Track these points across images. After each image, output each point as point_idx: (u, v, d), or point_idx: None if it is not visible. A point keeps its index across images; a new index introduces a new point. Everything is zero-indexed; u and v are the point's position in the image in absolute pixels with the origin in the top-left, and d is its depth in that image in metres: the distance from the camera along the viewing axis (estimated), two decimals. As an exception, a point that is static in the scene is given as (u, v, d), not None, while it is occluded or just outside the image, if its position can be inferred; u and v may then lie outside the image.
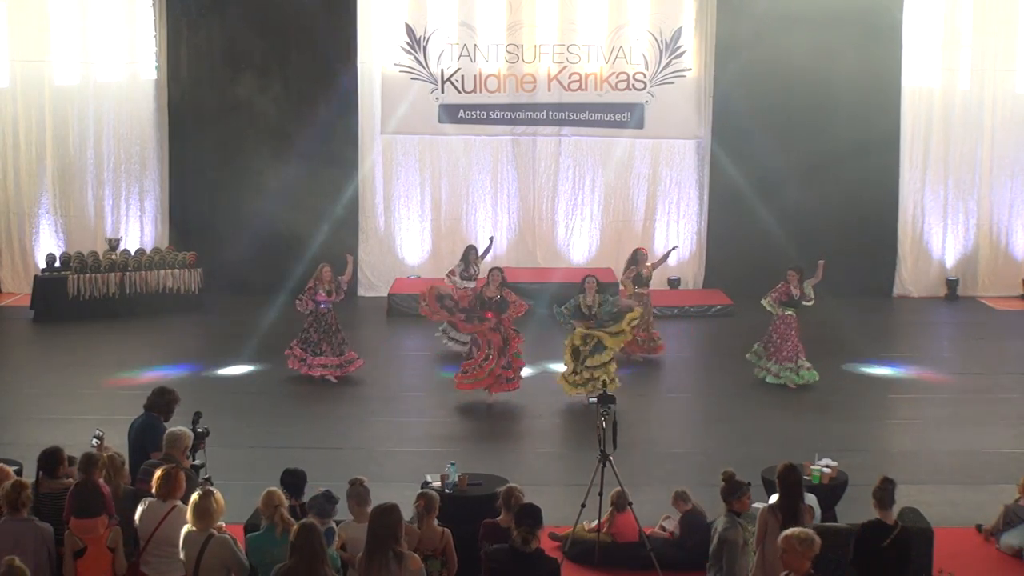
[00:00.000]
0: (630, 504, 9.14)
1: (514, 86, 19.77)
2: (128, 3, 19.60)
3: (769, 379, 14.29)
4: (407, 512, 7.34)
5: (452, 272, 15.85)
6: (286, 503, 7.33)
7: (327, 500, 7.65)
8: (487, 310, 13.36)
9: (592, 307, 13.12)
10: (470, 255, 15.99)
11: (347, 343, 14.54)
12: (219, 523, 7.13)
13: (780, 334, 14.27)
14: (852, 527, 7.81)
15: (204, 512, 6.89)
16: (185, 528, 6.97)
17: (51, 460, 7.89)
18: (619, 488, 9.09)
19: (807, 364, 14.30)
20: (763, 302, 14.44)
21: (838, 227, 19.40)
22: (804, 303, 14.25)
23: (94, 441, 8.54)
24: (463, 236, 20.12)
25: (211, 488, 7.09)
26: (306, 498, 8.18)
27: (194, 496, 6.97)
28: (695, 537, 9.00)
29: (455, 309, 13.70)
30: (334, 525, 7.56)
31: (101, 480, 7.63)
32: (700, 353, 16.08)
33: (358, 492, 7.67)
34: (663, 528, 9.35)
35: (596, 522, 9.05)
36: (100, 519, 7.41)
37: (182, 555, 6.94)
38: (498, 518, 7.70)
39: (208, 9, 19.28)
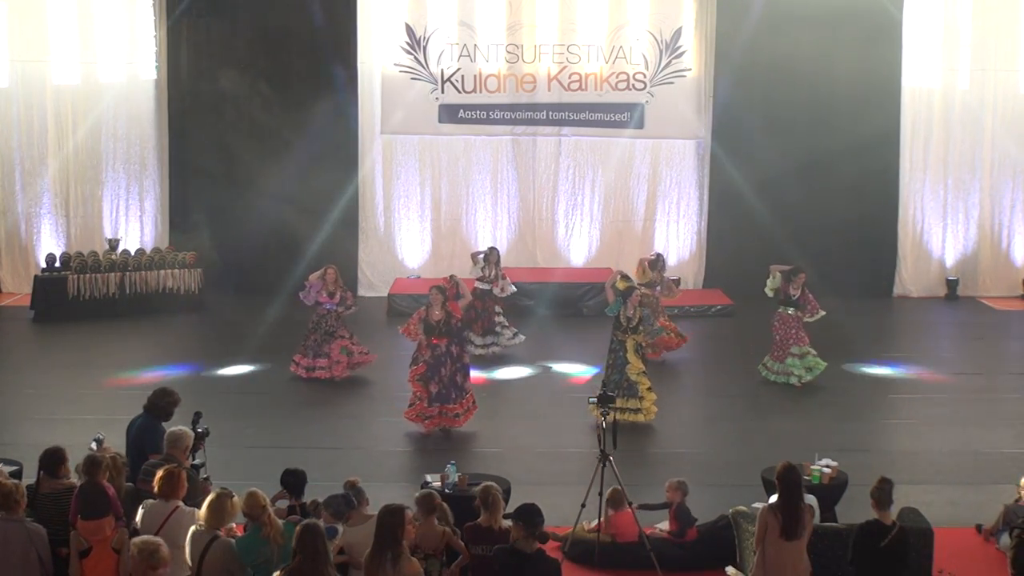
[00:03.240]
0: (630, 504, 9.14)
1: (514, 86, 19.77)
2: (128, 3, 19.60)
3: (771, 377, 14.30)
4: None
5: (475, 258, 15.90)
6: (270, 504, 7.33)
7: (346, 503, 7.67)
8: (433, 336, 12.19)
9: (632, 319, 12.55)
10: (491, 256, 15.92)
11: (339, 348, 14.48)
12: (231, 525, 7.14)
13: (780, 333, 14.29)
14: (851, 527, 7.82)
15: (218, 511, 6.90)
16: (193, 526, 6.98)
17: (53, 460, 7.89)
18: (616, 487, 9.09)
19: (812, 351, 14.29)
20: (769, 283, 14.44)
21: (838, 227, 19.41)
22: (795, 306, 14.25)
23: (93, 444, 8.54)
24: (463, 236, 20.15)
25: (231, 490, 7.08)
26: (306, 497, 8.21)
27: (212, 495, 6.99)
28: (686, 528, 9.05)
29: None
30: (338, 526, 7.58)
31: (105, 481, 7.62)
32: (700, 353, 16.07)
33: (353, 497, 7.69)
34: (660, 530, 9.35)
35: (596, 522, 9.05)
36: (107, 520, 7.41)
37: (187, 552, 6.95)
38: (479, 519, 7.68)
39: (208, 9, 19.28)
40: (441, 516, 7.68)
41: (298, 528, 6.48)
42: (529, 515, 6.90)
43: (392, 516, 6.62)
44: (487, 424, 12.62)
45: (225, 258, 18.98)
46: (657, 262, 15.69)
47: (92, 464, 7.55)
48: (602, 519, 9.06)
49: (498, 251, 16.25)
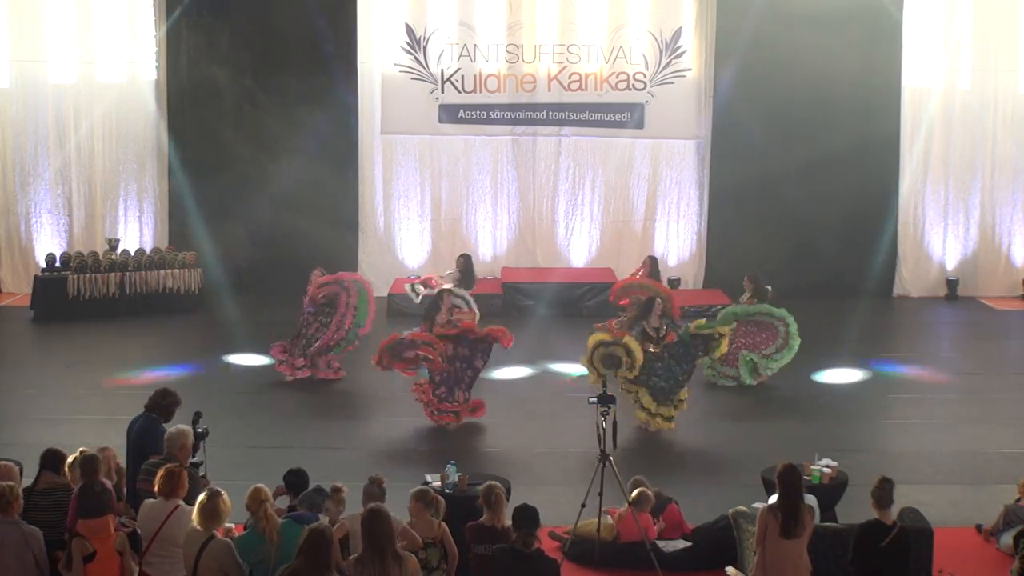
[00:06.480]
0: (672, 499, 9.29)
1: (514, 86, 19.76)
2: (128, 3, 19.60)
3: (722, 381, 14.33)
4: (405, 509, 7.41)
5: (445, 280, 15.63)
6: (272, 499, 7.33)
7: (317, 493, 7.73)
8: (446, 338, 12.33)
9: (659, 330, 12.52)
10: (459, 264, 15.90)
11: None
12: (227, 525, 7.12)
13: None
14: (851, 527, 7.83)
15: (210, 512, 6.89)
16: (189, 527, 6.97)
17: (54, 457, 7.89)
18: (644, 488, 9.16)
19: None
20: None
21: (838, 227, 19.39)
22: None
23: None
24: (463, 236, 20.14)
25: (219, 489, 7.08)
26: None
27: (202, 496, 6.97)
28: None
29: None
30: (319, 515, 7.59)
31: (104, 479, 7.60)
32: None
33: (373, 493, 7.67)
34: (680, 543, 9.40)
35: (607, 511, 9.10)
36: (109, 517, 7.37)
37: (183, 553, 6.93)
38: (482, 518, 7.67)
39: (208, 9, 19.27)
40: (435, 512, 7.67)
41: (307, 530, 6.49)
42: (521, 518, 6.90)
43: (382, 518, 6.50)
44: (487, 424, 12.62)
45: (225, 258, 18.99)
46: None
47: (89, 463, 7.54)
48: (620, 511, 9.13)
49: (468, 256, 16.27)
